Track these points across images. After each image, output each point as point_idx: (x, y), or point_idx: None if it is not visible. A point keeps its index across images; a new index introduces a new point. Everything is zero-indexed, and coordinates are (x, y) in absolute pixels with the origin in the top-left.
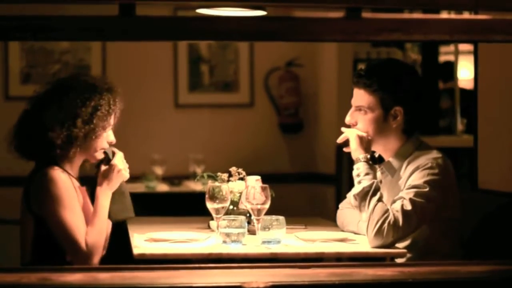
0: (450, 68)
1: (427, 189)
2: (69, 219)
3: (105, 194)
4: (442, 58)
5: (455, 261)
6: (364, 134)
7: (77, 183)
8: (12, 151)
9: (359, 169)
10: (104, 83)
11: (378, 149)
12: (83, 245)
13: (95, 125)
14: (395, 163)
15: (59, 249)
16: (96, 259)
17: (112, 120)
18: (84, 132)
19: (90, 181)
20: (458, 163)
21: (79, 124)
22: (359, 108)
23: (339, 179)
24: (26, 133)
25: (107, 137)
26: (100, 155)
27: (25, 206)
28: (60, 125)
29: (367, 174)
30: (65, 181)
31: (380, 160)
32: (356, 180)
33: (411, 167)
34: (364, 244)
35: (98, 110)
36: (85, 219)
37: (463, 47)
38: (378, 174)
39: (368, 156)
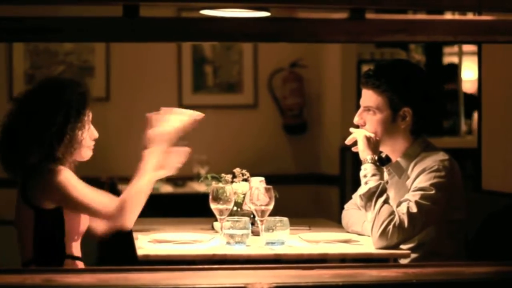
0: (453, 69)
1: (433, 192)
2: (84, 193)
3: (152, 153)
4: (446, 59)
5: (459, 262)
6: (372, 135)
7: None
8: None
9: (366, 169)
10: (69, 87)
11: (386, 149)
12: (108, 209)
13: (71, 136)
14: (402, 164)
15: (60, 243)
16: (126, 220)
17: (87, 118)
18: (63, 147)
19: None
20: (461, 164)
21: (55, 143)
22: (367, 109)
23: (343, 180)
24: (11, 148)
25: (91, 134)
26: (86, 153)
27: (22, 201)
28: (39, 148)
29: (374, 175)
30: (66, 169)
31: (387, 160)
32: (363, 180)
33: (417, 169)
34: (368, 245)
35: (69, 123)
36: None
37: (467, 48)
38: (385, 175)
39: (376, 157)
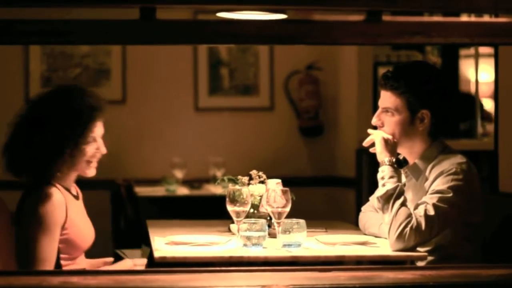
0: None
1: (450, 195)
2: (42, 244)
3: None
4: (462, 62)
5: (476, 264)
6: (390, 137)
7: (72, 198)
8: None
9: (384, 171)
10: (84, 100)
11: (403, 151)
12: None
13: (78, 147)
14: (420, 166)
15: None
16: None
17: (96, 133)
18: (71, 154)
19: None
20: (478, 167)
21: (65, 150)
22: (385, 110)
23: (359, 182)
24: (17, 151)
25: (99, 149)
26: (89, 169)
27: (15, 220)
28: (49, 154)
29: (391, 177)
30: (58, 203)
31: (404, 162)
32: (380, 182)
33: (435, 172)
34: (385, 247)
35: (79, 135)
36: (80, 232)
37: (484, 50)
38: (403, 177)
39: (394, 159)
